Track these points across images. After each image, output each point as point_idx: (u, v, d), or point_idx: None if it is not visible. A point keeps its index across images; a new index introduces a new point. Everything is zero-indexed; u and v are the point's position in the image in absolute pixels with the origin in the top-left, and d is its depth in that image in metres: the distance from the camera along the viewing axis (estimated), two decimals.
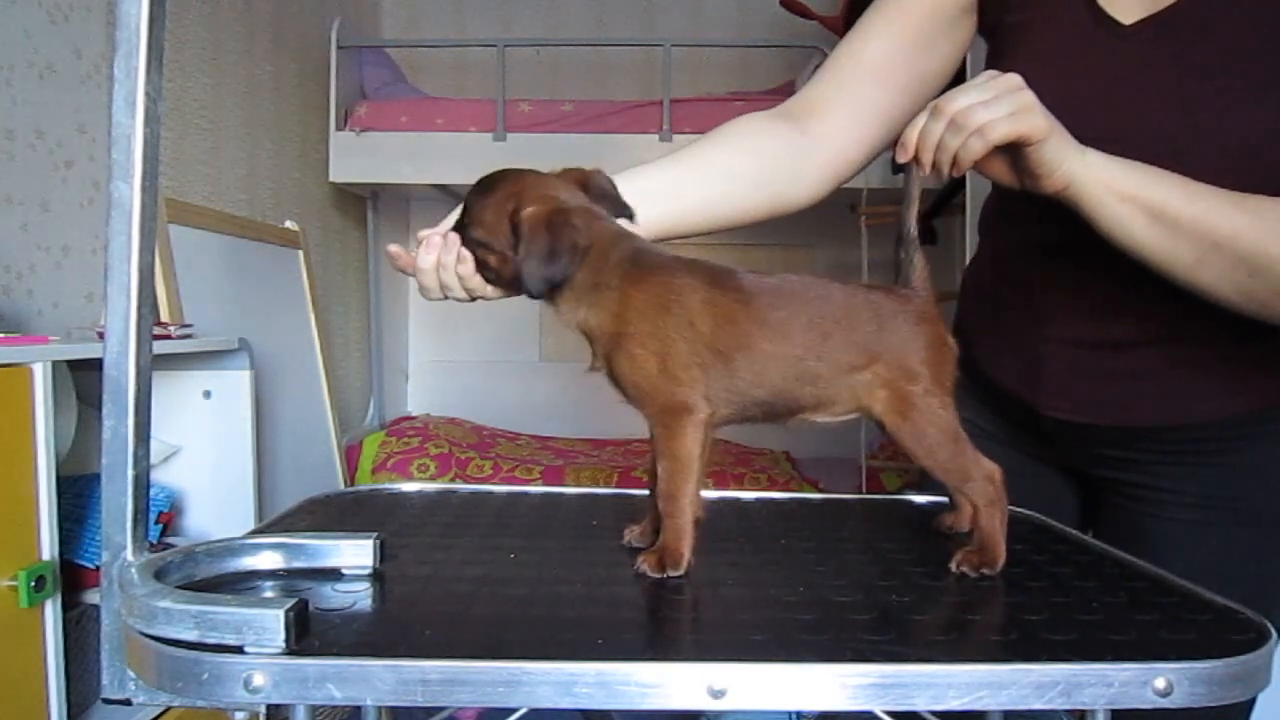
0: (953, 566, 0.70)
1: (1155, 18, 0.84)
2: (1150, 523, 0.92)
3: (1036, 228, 0.92)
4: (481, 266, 0.78)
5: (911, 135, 0.75)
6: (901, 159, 0.76)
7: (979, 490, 0.70)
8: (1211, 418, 0.88)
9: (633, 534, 0.78)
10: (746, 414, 0.73)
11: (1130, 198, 0.76)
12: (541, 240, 0.70)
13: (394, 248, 0.85)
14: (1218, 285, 0.77)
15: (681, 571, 0.69)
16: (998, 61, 0.95)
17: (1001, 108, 0.72)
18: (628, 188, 0.82)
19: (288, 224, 2.63)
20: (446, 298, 0.83)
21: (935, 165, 0.75)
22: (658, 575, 0.68)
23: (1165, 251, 0.77)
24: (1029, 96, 0.73)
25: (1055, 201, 0.78)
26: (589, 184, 0.78)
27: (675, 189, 0.92)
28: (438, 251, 0.80)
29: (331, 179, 2.97)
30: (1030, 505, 0.90)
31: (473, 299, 0.83)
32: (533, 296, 0.73)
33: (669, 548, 0.69)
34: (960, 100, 0.73)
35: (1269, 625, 0.58)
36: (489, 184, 0.77)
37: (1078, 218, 0.78)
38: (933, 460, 0.70)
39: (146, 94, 0.58)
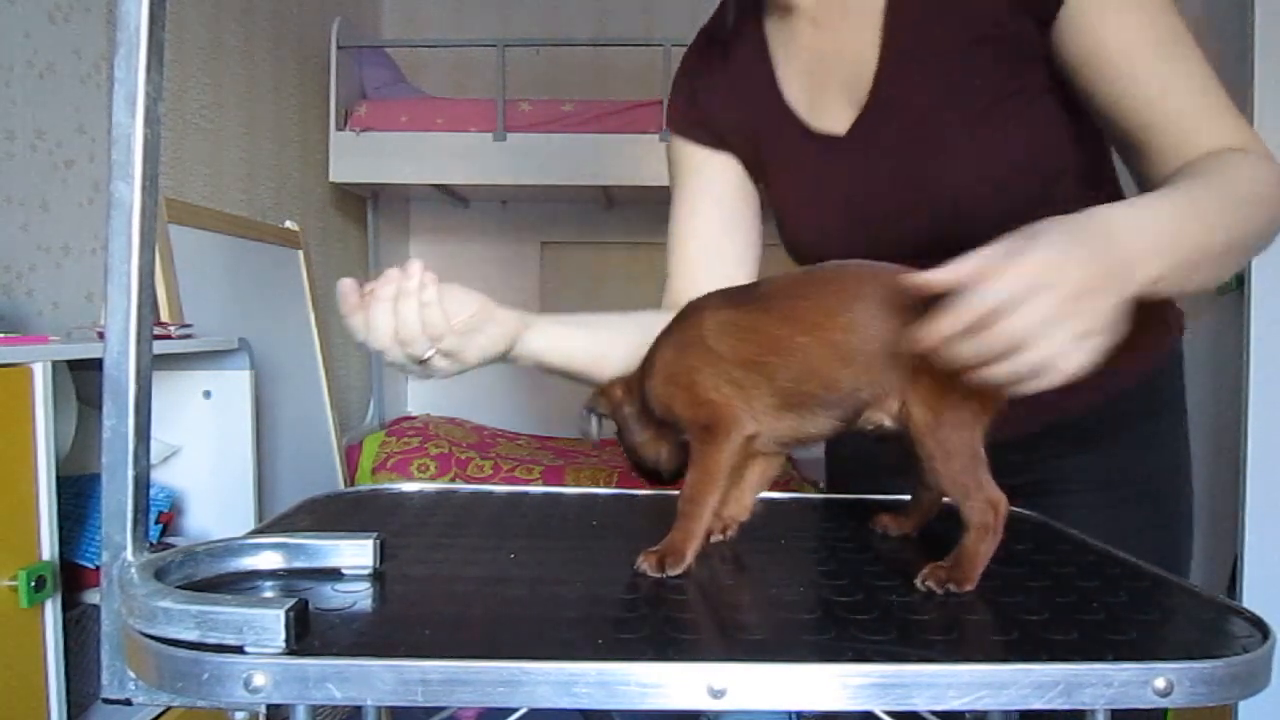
0: (918, 583, 0.66)
1: (857, 125, 0.89)
2: (1056, 512, 0.93)
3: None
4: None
5: (937, 334, 0.59)
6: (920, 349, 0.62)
7: (977, 511, 0.66)
8: (1109, 396, 0.92)
9: None
10: (814, 419, 0.70)
11: (1160, 279, 0.67)
12: None
13: (347, 281, 0.76)
14: (1210, 281, 0.75)
15: (681, 571, 0.69)
16: (764, 183, 1.01)
17: (1081, 321, 0.59)
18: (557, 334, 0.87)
19: (288, 224, 2.63)
20: (404, 364, 0.76)
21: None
22: (657, 574, 0.68)
23: (1196, 284, 0.72)
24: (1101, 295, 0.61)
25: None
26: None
27: (598, 342, 0.92)
28: (397, 282, 0.73)
29: (331, 179, 2.97)
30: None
31: (424, 360, 0.75)
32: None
33: (674, 547, 0.69)
34: (1024, 318, 0.57)
35: (1269, 625, 0.58)
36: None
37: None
38: (946, 467, 0.66)
39: (146, 94, 0.58)
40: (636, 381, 0.79)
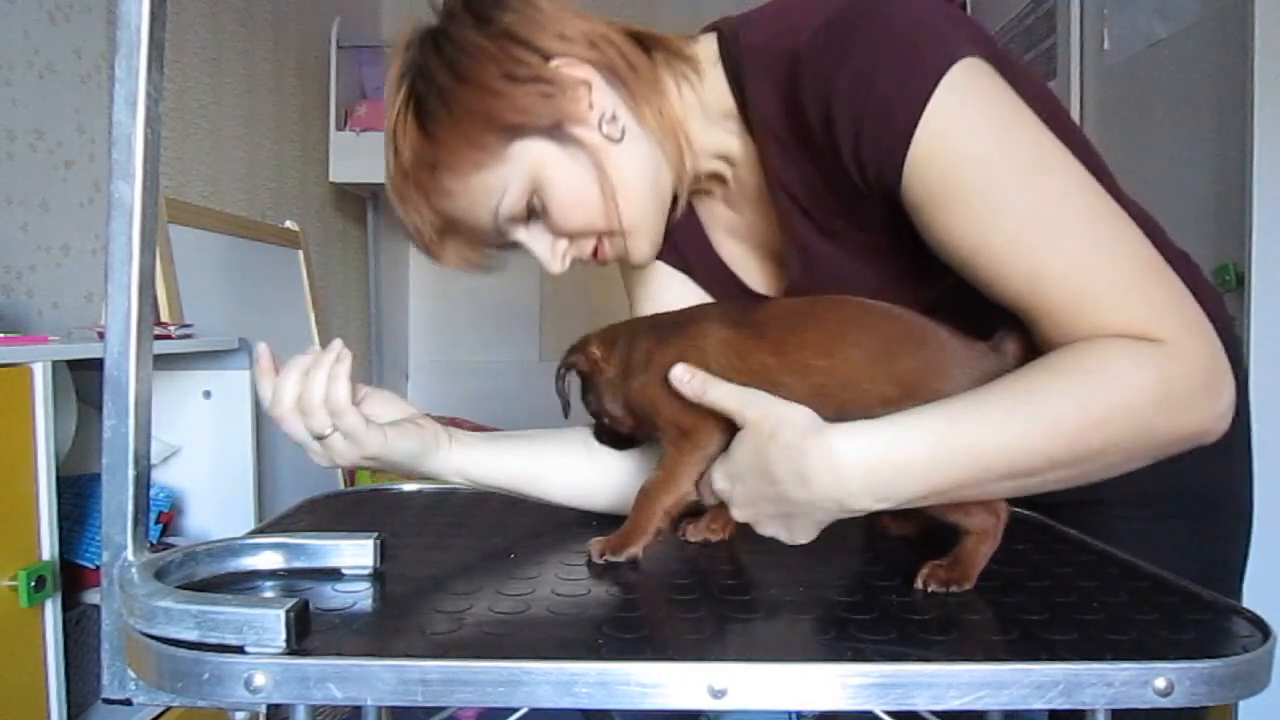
0: (919, 583, 0.66)
1: (789, 292, 0.86)
2: (1096, 519, 0.91)
3: None
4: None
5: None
6: None
7: (977, 521, 0.66)
8: None
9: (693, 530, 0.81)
10: None
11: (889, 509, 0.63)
12: None
13: (264, 345, 0.77)
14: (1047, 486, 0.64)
15: (621, 559, 0.71)
16: None
17: (780, 526, 0.68)
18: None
19: (288, 224, 2.63)
20: (304, 440, 0.75)
21: None
22: (599, 560, 0.71)
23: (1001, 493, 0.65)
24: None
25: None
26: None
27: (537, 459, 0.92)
28: (315, 356, 0.74)
29: (331, 179, 2.97)
30: None
31: (322, 436, 0.73)
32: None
33: (622, 538, 0.72)
34: (740, 511, 0.69)
35: (1269, 625, 0.58)
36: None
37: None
38: (932, 509, 0.65)
39: (146, 94, 0.58)
40: (621, 354, 0.77)
